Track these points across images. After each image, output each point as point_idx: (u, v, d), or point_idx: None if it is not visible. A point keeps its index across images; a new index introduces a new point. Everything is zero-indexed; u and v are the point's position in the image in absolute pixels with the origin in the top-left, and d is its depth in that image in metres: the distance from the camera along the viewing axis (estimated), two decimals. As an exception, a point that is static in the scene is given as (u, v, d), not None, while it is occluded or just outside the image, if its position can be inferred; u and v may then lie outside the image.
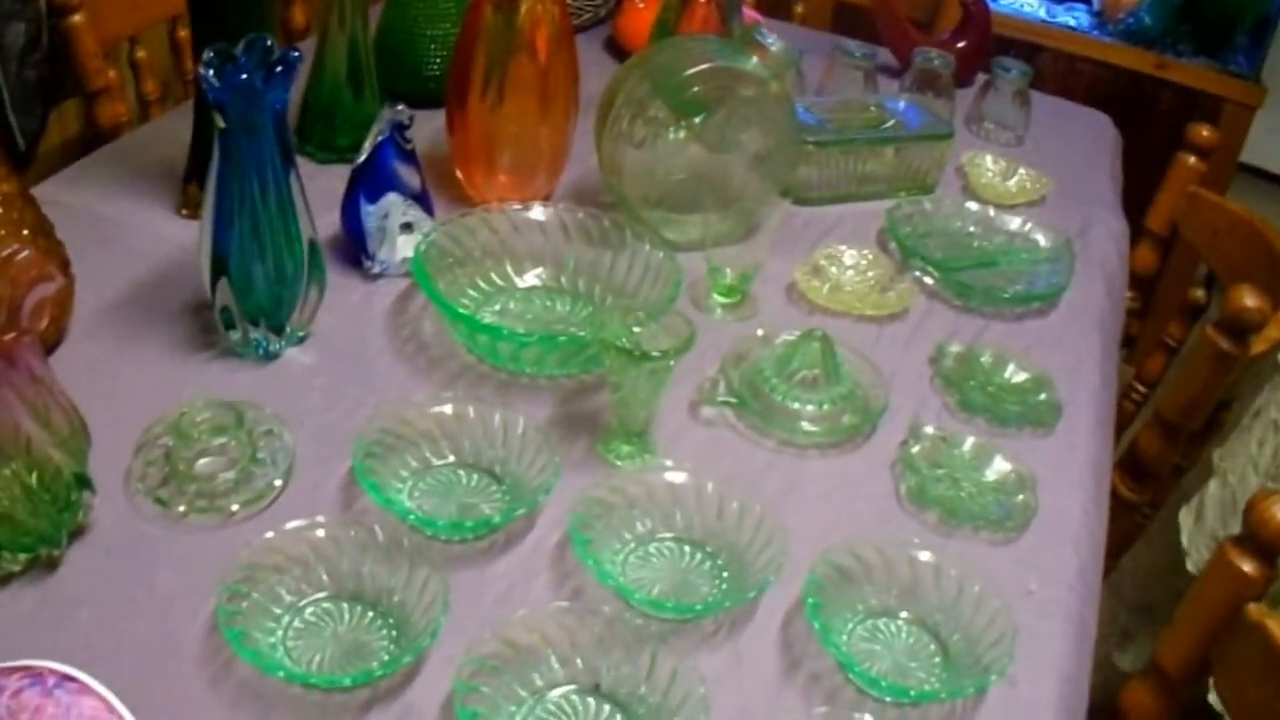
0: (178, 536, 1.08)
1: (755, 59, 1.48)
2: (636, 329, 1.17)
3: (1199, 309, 1.92)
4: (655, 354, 1.12)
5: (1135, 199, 2.00)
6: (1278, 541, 1.08)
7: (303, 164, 1.54)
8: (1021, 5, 3.24)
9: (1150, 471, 1.56)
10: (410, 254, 1.36)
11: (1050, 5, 3.28)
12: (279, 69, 1.14)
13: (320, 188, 1.42)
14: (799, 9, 2.51)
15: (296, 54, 1.15)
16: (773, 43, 1.65)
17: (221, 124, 1.15)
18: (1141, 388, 1.93)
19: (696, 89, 1.46)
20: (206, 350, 1.29)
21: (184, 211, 1.50)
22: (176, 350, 1.29)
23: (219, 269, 1.22)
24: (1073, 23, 3.23)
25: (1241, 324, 1.40)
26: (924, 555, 1.10)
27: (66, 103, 2.03)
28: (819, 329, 1.30)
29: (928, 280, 1.52)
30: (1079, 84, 3.16)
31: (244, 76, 1.13)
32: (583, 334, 1.25)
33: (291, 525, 1.04)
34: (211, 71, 1.13)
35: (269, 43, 1.17)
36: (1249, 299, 1.39)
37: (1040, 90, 2.90)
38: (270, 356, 1.28)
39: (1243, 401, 1.71)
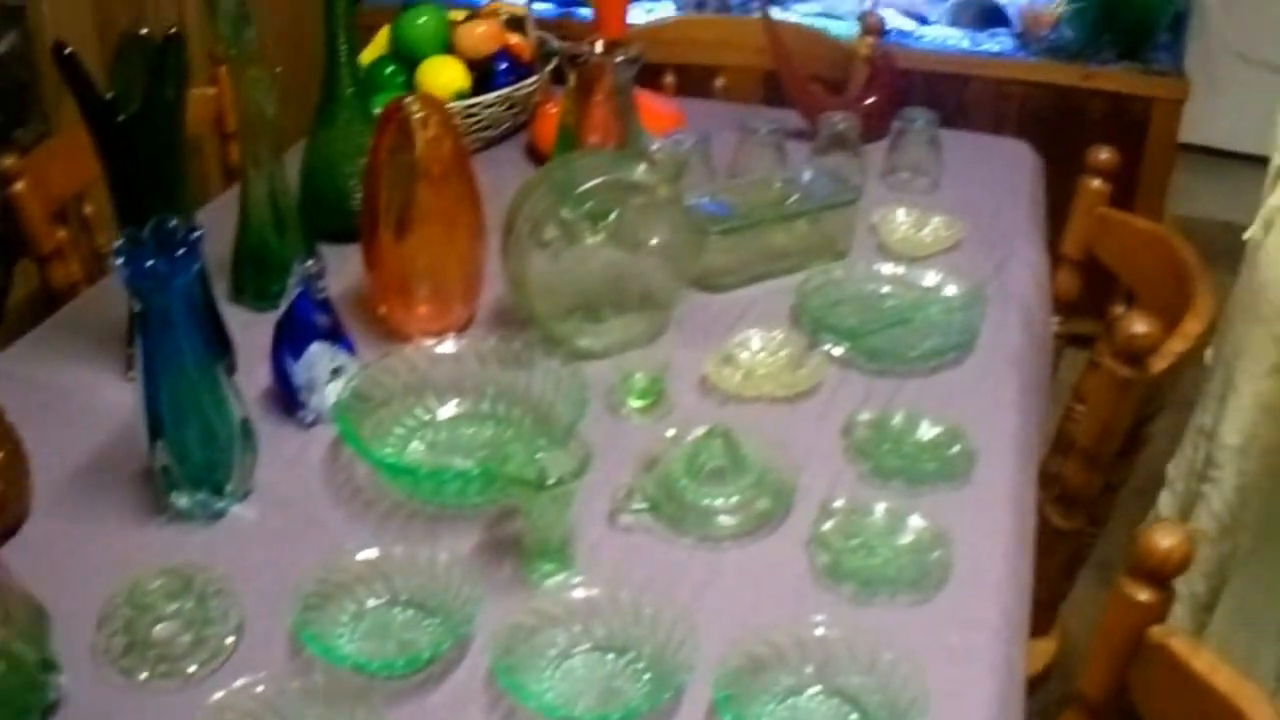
0: (144, 701, 1.14)
1: (643, 167, 1.56)
2: (540, 455, 1.24)
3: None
4: (553, 482, 1.19)
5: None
6: (1165, 567, 1.15)
7: (242, 313, 1.65)
8: (945, 40, 3.32)
9: (1079, 499, 1.61)
10: (341, 398, 1.43)
11: (974, 34, 3.36)
12: (182, 251, 1.21)
13: (262, 335, 1.51)
14: (719, 82, 2.58)
15: (197, 233, 1.23)
16: (657, 148, 1.72)
17: (137, 306, 1.23)
18: (1080, 407, 1.98)
19: (590, 204, 1.53)
20: (159, 514, 1.35)
21: (130, 374, 1.56)
22: (132, 517, 1.36)
23: (155, 432, 1.29)
24: (996, 48, 3.31)
25: (1135, 350, 1.46)
26: (835, 631, 1.16)
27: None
28: (720, 425, 1.37)
29: (838, 351, 1.59)
30: (1010, 107, 3.25)
31: (150, 263, 1.20)
32: (490, 467, 1.31)
33: (239, 683, 1.11)
34: (121, 259, 1.20)
35: (173, 224, 1.24)
36: (1139, 326, 1.45)
37: (974, 116, 2.98)
38: (216, 515, 1.35)
39: (1181, 409, 1.78)
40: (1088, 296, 2.02)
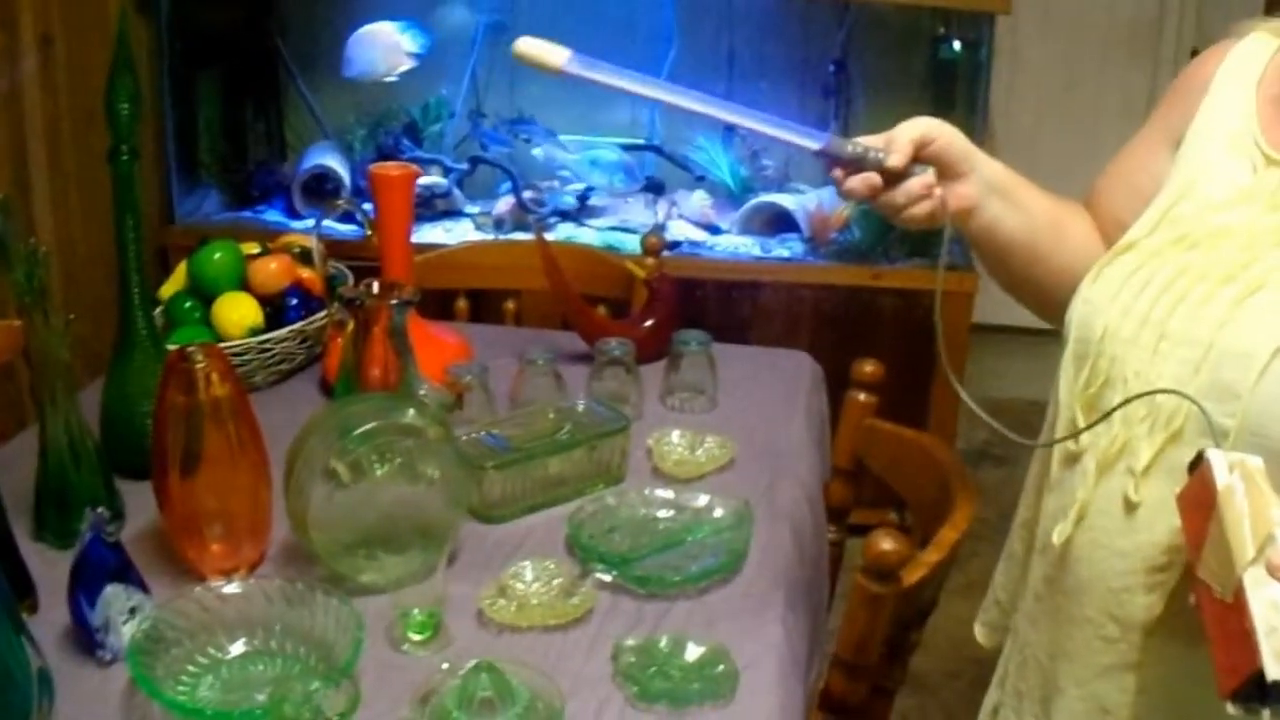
0: None
1: (412, 410, 1.63)
2: (315, 687, 1.28)
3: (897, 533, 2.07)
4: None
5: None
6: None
7: (45, 550, 1.68)
8: (737, 248, 3.45)
9: (845, 708, 1.68)
10: (139, 637, 1.47)
11: (764, 241, 3.49)
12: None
13: (65, 572, 1.53)
14: (510, 305, 2.67)
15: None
16: (425, 393, 1.79)
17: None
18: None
19: (364, 446, 1.59)
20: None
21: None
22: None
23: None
24: (787, 254, 3.44)
25: (884, 567, 1.55)
26: None
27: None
28: (487, 658, 1.42)
29: (608, 578, 1.65)
30: (804, 310, 3.37)
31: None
32: (272, 706, 1.35)
33: None
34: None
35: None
36: (885, 543, 1.53)
37: (768, 321, 3.10)
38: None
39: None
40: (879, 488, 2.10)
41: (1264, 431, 1.26)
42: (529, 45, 1.50)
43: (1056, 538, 1.43)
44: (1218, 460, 1.19)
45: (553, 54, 1.51)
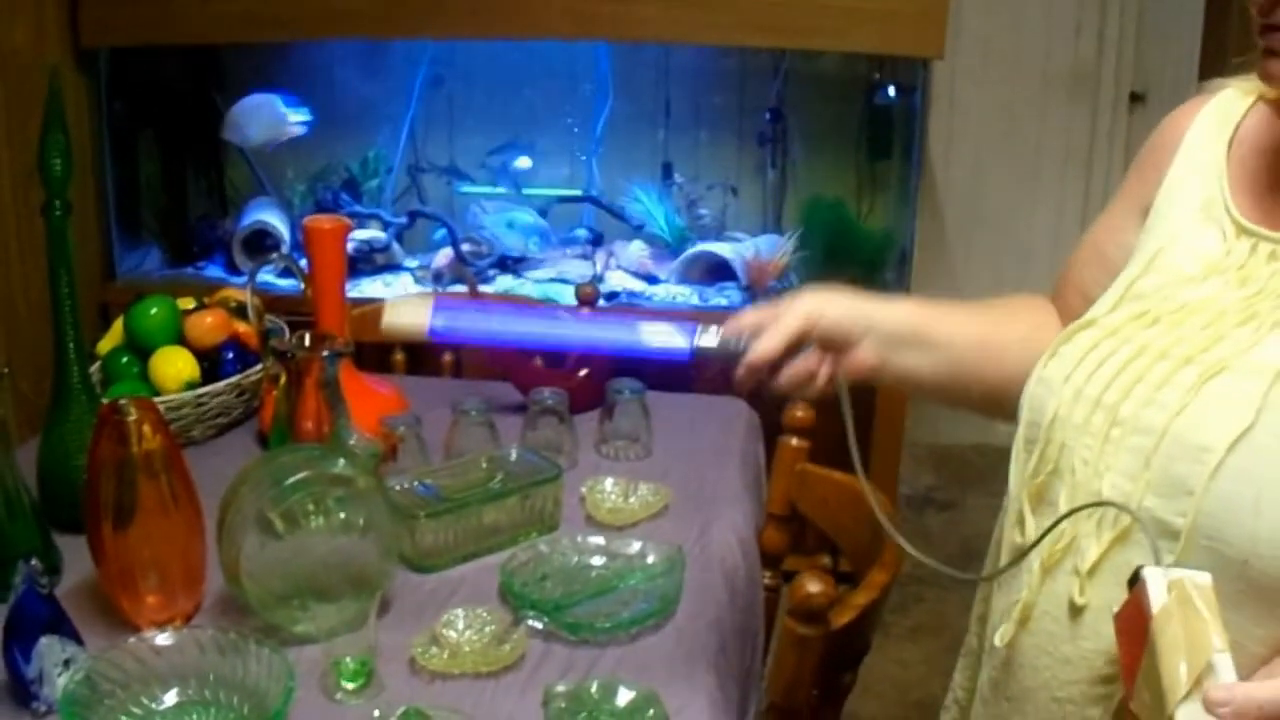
0: None
1: (343, 461, 1.65)
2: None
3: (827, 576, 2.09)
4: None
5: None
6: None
7: None
8: (675, 297, 3.49)
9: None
10: (73, 688, 1.47)
11: (702, 290, 3.52)
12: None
13: None
14: (447, 358, 2.69)
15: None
16: (355, 443, 1.81)
17: None
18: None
19: (296, 497, 1.61)
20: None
21: None
22: None
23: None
24: (725, 301, 3.48)
25: (811, 609, 1.57)
26: None
27: None
28: (414, 706, 1.43)
29: (539, 625, 1.67)
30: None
31: None
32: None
33: None
34: None
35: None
36: (812, 585, 1.55)
37: (703, 373, 3.11)
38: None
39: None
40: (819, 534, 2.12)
41: (1218, 534, 1.15)
42: (396, 315, 1.41)
43: (999, 640, 1.34)
44: (1154, 580, 1.09)
45: (419, 318, 1.40)
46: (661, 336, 1.40)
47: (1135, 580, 1.11)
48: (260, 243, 3.59)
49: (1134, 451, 1.21)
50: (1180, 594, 1.06)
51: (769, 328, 1.38)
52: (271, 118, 3.55)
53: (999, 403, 1.47)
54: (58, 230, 1.83)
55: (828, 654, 1.63)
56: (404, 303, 1.41)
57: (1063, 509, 1.26)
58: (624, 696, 1.54)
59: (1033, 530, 1.31)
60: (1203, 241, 1.32)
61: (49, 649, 1.52)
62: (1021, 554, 1.30)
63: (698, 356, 1.39)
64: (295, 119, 3.58)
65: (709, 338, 1.40)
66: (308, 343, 1.81)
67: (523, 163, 3.74)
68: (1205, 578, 1.08)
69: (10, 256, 3.02)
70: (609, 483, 2.02)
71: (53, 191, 1.80)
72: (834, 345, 1.40)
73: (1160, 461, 1.19)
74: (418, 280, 3.55)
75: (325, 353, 1.79)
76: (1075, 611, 1.26)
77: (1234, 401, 1.17)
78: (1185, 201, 1.36)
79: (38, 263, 1.96)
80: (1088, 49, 4.24)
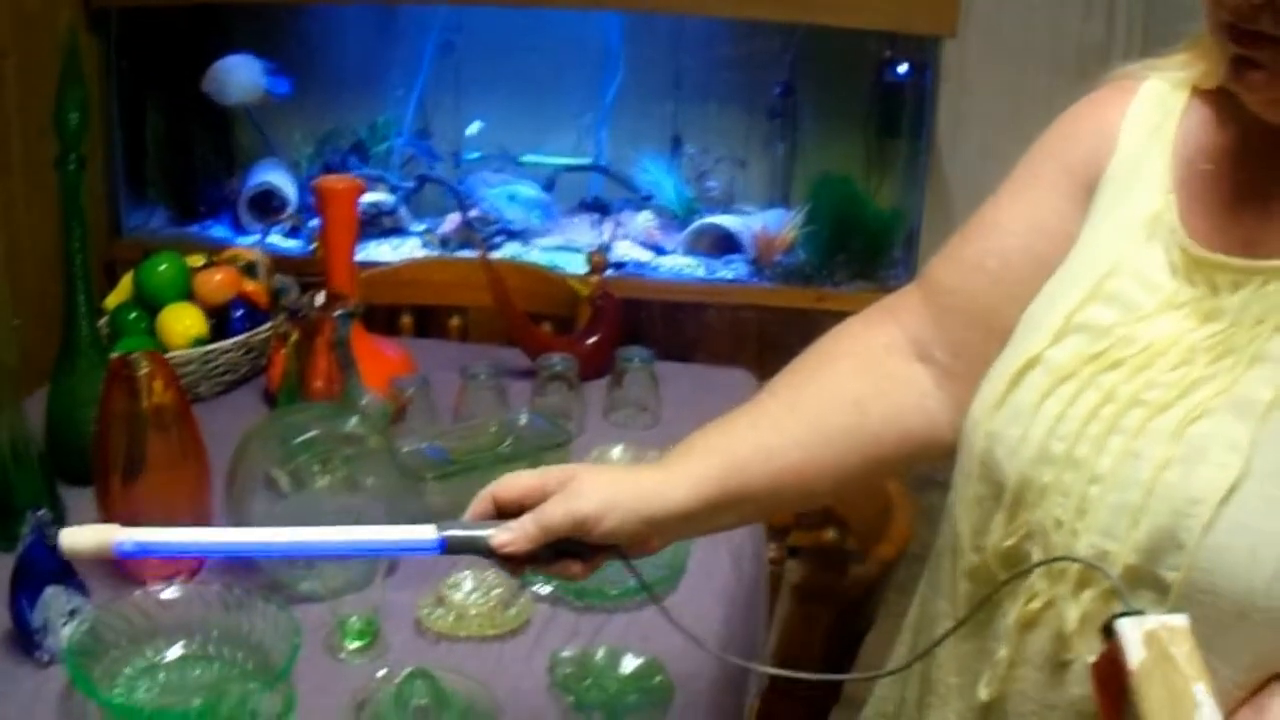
0: None
1: (355, 419, 1.64)
2: (251, 688, 1.30)
3: (833, 551, 2.09)
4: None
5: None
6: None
7: None
8: (682, 269, 3.48)
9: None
10: (79, 639, 1.48)
11: (709, 262, 3.51)
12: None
13: (5, 575, 1.56)
14: (454, 321, 2.68)
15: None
16: (366, 402, 1.81)
17: None
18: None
19: (307, 455, 1.61)
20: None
21: None
22: None
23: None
24: (731, 275, 3.47)
25: (818, 585, 1.57)
26: None
27: None
28: (422, 666, 1.44)
29: (545, 590, 1.67)
30: (748, 331, 3.39)
31: None
32: (207, 707, 1.36)
33: None
34: None
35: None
36: (820, 560, 1.56)
37: (712, 342, 3.11)
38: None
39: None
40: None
41: (1213, 588, 1.06)
42: (74, 539, 1.18)
43: (984, 693, 1.21)
44: (1130, 633, 0.98)
45: (103, 540, 1.17)
46: (406, 532, 1.27)
47: (1109, 631, 1.01)
48: (267, 203, 3.57)
49: (1116, 511, 1.10)
50: (1158, 650, 0.97)
51: (527, 522, 1.21)
52: (248, 79, 3.53)
53: (867, 477, 1.43)
54: (71, 184, 1.82)
55: (832, 629, 1.64)
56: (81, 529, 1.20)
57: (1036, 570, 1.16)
58: (630, 663, 1.55)
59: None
60: (1151, 264, 1.19)
61: (54, 599, 1.53)
62: (971, 612, 1.21)
63: (449, 547, 1.24)
64: (273, 89, 3.57)
65: (458, 527, 1.26)
66: (320, 302, 1.81)
67: (473, 128, 3.73)
68: (1182, 620, 0.98)
69: (18, 211, 3.01)
70: (617, 450, 2.02)
71: (68, 145, 1.80)
72: (624, 542, 1.23)
73: (1148, 519, 1.09)
74: (425, 245, 3.54)
75: (337, 312, 1.78)
76: (1060, 665, 1.16)
77: (1221, 447, 1.07)
78: (1127, 216, 1.22)
79: (45, 218, 1.96)
80: (1097, 29, 4.21)
